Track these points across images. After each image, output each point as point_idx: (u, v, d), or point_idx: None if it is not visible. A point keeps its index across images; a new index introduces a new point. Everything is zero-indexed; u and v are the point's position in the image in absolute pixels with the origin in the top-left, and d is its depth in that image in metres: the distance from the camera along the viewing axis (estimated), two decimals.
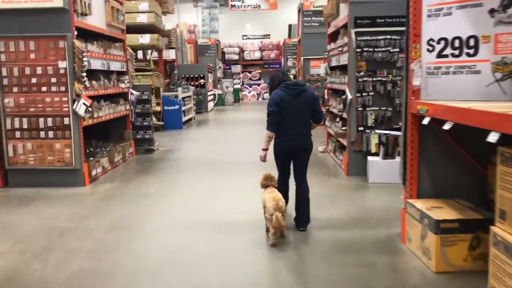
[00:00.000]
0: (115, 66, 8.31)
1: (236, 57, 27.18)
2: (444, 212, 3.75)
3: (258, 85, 27.21)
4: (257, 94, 27.13)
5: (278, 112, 4.56)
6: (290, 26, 23.73)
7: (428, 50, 3.97)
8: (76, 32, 6.59)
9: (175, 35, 16.44)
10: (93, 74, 7.48)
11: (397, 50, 6.74)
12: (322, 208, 5.43)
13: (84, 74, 6.65)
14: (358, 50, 6.78)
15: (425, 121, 3.72)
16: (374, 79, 6.84)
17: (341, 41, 7.51)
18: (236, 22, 27.54)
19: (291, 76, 20.67)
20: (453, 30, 3.81)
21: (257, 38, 27.78)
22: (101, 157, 7.55)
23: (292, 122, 4.59)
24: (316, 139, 10.93)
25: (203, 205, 5.76)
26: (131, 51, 9.02)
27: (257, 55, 27.17)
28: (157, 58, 15.53)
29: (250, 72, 27.46)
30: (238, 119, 16.77)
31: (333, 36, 8.62)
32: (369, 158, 6.77)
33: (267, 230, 4.42)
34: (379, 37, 6.76)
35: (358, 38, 6.77)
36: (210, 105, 20.59)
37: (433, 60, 3.95)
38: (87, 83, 6.95)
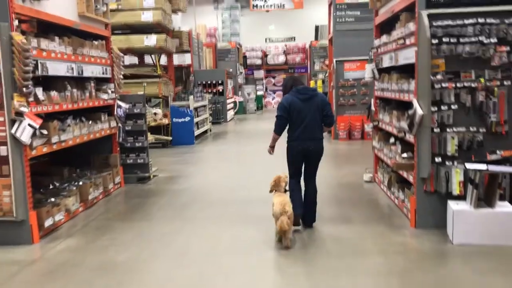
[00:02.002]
0: (93, 71, 6.24)
1: (258, 61, 25.00)
2: None
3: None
4: None
5: (285, 117, 4.76)
6: (317, 27, 21.45)
7: None
8: (17, 22, 4.55)
9: (187, 36, 14.36)
10: (55, 82, 5.45)
11: (493, 40, 4.46)
12: None
13: (30, 82, 4.58)
14: (434, 41, 4.52)
15: None
16: (457, 85, 4.56)
17: (402, 30, 5.23)
18: (259, 24, 25.42)
19: (320, 82, 18.62)
20: None
21: (281, 41, 25.57)
22: (65, 197, 5.45)
23: (303, 126, 4.73)
24: (358, 162, 8.58)
25: None
26: (118, 52, 6.93)
27: (281, 59, 24.94)
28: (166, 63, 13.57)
29: (274, 78, 25.29)
30: (261, 130, 14.49)
31: (384, 27, 6.37)
32: (452, 204, 4.47)
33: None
34: (466, 22, 4.48)
35: (434, 24, 4.51)
36: (230, 114, 18.51)
37: None
38: (41, 95, 4.92)
